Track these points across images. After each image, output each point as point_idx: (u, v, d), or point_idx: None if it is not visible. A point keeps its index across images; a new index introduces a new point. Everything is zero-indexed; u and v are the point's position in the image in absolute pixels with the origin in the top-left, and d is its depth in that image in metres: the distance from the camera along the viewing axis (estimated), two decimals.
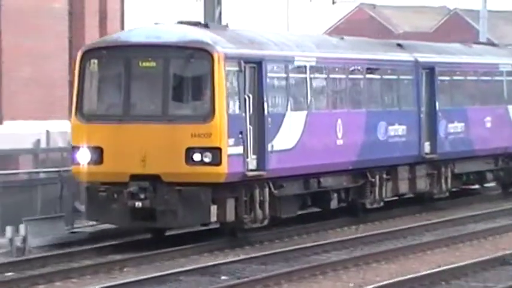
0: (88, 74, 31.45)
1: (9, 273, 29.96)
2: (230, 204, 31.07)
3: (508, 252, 32.22)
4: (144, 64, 31.07)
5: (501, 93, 46.24)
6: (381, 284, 27.29)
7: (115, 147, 30.72)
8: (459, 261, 31.22)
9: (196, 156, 30.36)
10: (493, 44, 52.17)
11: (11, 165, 35.00)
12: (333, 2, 57.58)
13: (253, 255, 33.40)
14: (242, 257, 33.33)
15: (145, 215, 30.21)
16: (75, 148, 31.35)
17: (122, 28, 66.68)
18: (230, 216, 31.08)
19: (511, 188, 47.52)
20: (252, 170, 31.61)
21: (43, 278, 28.97)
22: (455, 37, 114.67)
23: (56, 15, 55.98)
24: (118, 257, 31.93)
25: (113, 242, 34.43)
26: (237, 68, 30.96)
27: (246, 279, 28.79)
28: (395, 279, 27.91)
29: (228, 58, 30.45)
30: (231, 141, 30.56)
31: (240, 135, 30.88)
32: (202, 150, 30.36)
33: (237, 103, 31.35)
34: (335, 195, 37.13)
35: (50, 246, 34.16)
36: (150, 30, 33.87)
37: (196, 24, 33.35)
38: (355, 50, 38.91)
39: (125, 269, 30.99)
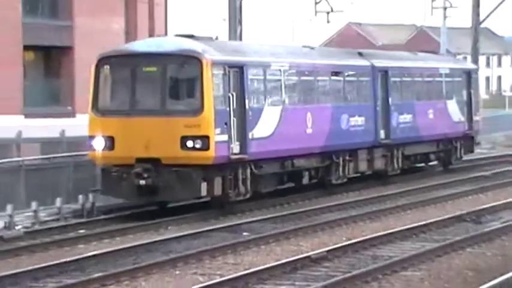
0: (102, 77, 32.80)
1: (82, 231, 31.64)
2: (218, 181, 32.32)
3: (464, 212, 33.86)
4: (147, 69, 32.56)
5: (441, 91, 47.30)
6: (367, 237, 28.84)
7: (124, 136, 32.11)
8: (426, 219, 32.37)
9: (189, 143, 31.51)
10: (434, 52, 54.41)
11: (81, 149, 35.44)
12: (328, 21, 57.22)
13: (268, 216, 34.93)
14: (259, 217, 34.39)
15: (148, 191, 31.63)
16: (91, 137, 32.64)
17: None
18: (218, 191, 32.41)
19: (449, 165, 48.63)
20: (235, 154, 32.94)
21: (107, 234, 30.89)
22: (422, 48, 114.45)
23: (116, 34, 55.75)
24: (165, 218, 33.16)
25: (151, 208, 35.13)
26: (222, 72, 32.39)
27: (262, 235, 30.11)
28: (378, 234, 29.33)
29: (214, 64, 32.06)
30: (218, 130, 31.77)
31: (225, 126, 32.17)
32: (194, 138, 31.43)
33: (222, 100, 32.48)
34: (306, 173, 38.59)
35: (110, 210, 35.33)
36: (151, 41, 38.01)
37: (189, 36, 34.32)
38: (322, 57, 40.58)
39: (169, 228, 32.34)
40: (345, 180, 40.23)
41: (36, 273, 24.00)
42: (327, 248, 26.39)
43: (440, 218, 32.62)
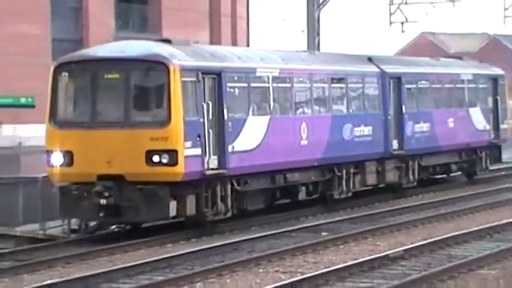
0: (60, 85, 28.14)
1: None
2: (190, 200, 27.93)
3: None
4: (109, 76, 27.82)
5: (463, 98, 42.91)
6: (442, 237, 27.76)
7: (84, 151, 27.64)
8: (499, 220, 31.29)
9: (155, 158, 27.03)
10: (459, 58, 47.81)
11: None
12: (402, 31, 56.54)
13: (345, 217, 34.49)
14: (338, 218, 34.09)
15: (111, 211, 27.14)
16: (49, 152, 28.13)
17: None
18: (191, 210, 27.96)
19: (474, 176, 44.58)
20: (212, 169, 28.49)
21: (196, 234, 29.82)
22: (494, 56, 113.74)
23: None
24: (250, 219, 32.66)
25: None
26: (194, 79, 27.79)
27: (341, 235, 29.63)
28: (453, 234, 28.22)
29: (184, 70, 27.52)
30: (188, 144, 27.31)
31: (198, 139, 27.68)
32: (160, 152, 26.93)
33: (194, 110, 27.95)
34: (303, 188, 34.30)
35: None
36: (114, 46, 31.80)
37: (161, 40, 30.68)
38: (321, 63, 35.66)
39: (252, 228, 31.81)
40: (350, 194, 35.95)
41: (130, 271, 23.59)
42: (404, 248, 26.15)
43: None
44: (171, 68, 27.10)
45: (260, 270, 24.30)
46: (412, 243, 27.19)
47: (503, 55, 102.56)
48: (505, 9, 62.31)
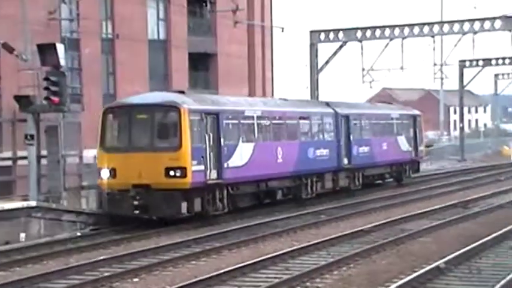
0: (107, 123, 27.46)
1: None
2: (197, 201, 26.87)
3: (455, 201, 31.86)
4: (140, 116, 27.26)
5: (392, 129, 41.91)
6: (397, 217, 27.46)
7: (123, 168, 26.75)
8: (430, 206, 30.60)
9: (171, 172, 26.21)
10: (389, 103, 47.62)
11: None
12: (370, 87, 55.73)
13: (336, 205, 33.37)
14: (331, 206, 33.22)
15: (142, 209, 26.27)
16: (100, 168, 27.25)
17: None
18: (197, 208, 26.94)
19: (401, 181, 43.15)
20: (212, 179, 27.39)
21: (246, 214, 30.40)
22: (428, 103, 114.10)
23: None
24: (274, 207, 31.99)
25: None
26: (198, 118, 26.98)
27: (333, 217, 29.41)
28: (404, 215, 27.99)
29: (191, 111, 26.69)
30: (194, 162, 26.39)
31: (202, 158, 26.78)
32: (175, 168, 26.17)
33: (199, 139, 26.96)
34: (280, 191, 32.93)
35: None
36: (145, 96, 30.55)
37: (177, 91, 29.66)
38: (291, 106, 34.17)
39: (275, 213, 30.67)
40: (314, 195, 34.23)
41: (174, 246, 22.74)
42: (373, 224, 26.00)
43: (439, 206, 31.31)
44: (182, 110, 26.37)
45: (282, 239, 24.21)
46: (378, 222, 26.72)
47: (434, 102, 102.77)
48: (434, 73, 62.46)
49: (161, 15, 56.84)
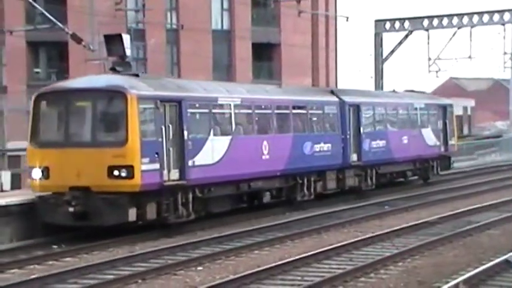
0: (39, 112, 22.08)
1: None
2: (151, 206, 21.52)
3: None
4: (79, 104, 21.95)
5: (416, 121, 36.66)
6: (463, 210, 25.97)
7: (58, 166, 21.40)
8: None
9: (116, 172, 20.77)
10: (413, 91, 40.95)
11: None
12: (437, 76, 55.34)
13: (400, 196, 31.79)
14: (396, 196, 31.93)
15: (80, 216, 20.88)
16: (30, 167, 21.94)
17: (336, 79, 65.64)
18: (151, 215, 21.52)
19: (427, 180, 37.91)
20: (173, 180, 22.01)
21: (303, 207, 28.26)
22: (498, 94, 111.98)
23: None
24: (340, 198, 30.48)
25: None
26: (152, 106, 21.59)
27: (397, 208, 28.01)
28: (470, 207, 26.61)
29: (141, 98, 21.24)
30: (146, 160, 21.08)
31: (156, 155, 21.37)
32: (120, 167, 20.78)
33: (153, 131, 21.64)
34: (267, 193, 26.74)
35: None
36: (84, 79, 24.35)
37: (130, 74, 23.44)
38: (283, 94, 28.52)
39: (340, 204, 29.48)
40: (312, 197, 28.53)
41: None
42: (438, 216, 25.29)
43: (509, 198, 29.98)
44: (129, 97, 21.01)
45: (345, 230, 23.57)
46: (442, 214, 25.74)
47: (504, 92, 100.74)
48: (504, 62, 61.51)
49: (225, 6, 57.05)
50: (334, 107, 30.28)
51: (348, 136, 30.55)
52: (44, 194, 21.55)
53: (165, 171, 21.65)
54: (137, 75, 23.20)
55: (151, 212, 21.44)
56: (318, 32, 61.39)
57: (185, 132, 22.48)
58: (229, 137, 24.58)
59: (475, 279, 15.47)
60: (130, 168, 20.85)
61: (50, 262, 18.86)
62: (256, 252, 20.09)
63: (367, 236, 21.53)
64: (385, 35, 50.41)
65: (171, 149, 22.05)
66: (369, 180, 32.16)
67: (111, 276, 16.84)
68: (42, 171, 21.45)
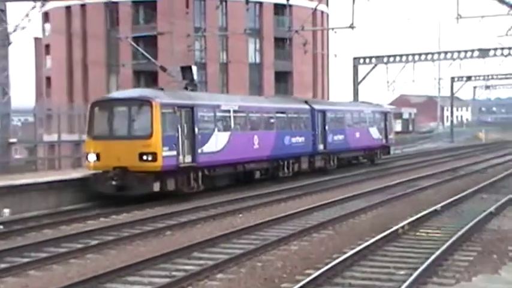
0: (94, 114, 20.47)
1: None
2: (170, 181, 19.80)
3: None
4: (119, 109, 20.23)
5: (365, 122, 33.99)
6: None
7: (105, 153, 19.79)
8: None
9: (144, 157, 19.21)
10: (369, 103, 37.38)
11: None
12: (392, 93, 54.08)
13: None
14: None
15: (120, 188, 19.38)
16: (87, 153, 20.30)
17: None
18: (171, 187, 19.85)
19: (373, 162, 34.59)
20: (187, 163, 20.21)
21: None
22: (430, 104, 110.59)
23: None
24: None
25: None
26: (171, 110, 19.78)
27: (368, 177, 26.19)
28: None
29: (163, 105, 19.53)
30: (166, 148, 19.40)
31: (174, 145, 19.65)
32: (147, 154, 19.22)
33: (172, 128, 19.73)
34: (258, 172, 24.97)
35: None
36: (124, 92, 23.75)
37: (158, 88, 22.21)
38: (269, 103, 26.41)
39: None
40: (290, 174, 26.29)
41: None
42: (394, 182, 23.74)
43: (438, 171, 28.72)
44: (153, 104, 19.38)
45: (339, 190, 22.23)
46: (396, 181, 24.24)
47: (434, 104, 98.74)
48: (434, 85, 61.60)
49: (257, 47, 57.15)
50: (306, 112, 28.06)
51: (316, 132, 28.36)
52: (96, 172, 19.81)
53: (181, 157, 19.93)
54: (162, 89, 21.41)
55: (170, 185, 19.81)
56: (317, 63, 61.17)
57: (196, 129, 20.62)
58: (229, 133, 22.55)
59: (415, 222, 15.42)
60: (154, 154, 19.28)
61: (102, 219, 16.66)
62: (283, 204, 19.11)
63: (350, 194, 20.15)
64: (360, 67, 50.46)
65: (185, 141, 20.29)
66: (332, 162, 29.90)
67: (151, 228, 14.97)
68: (96, 156, 19.87)
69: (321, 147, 28.80)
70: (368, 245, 11.74)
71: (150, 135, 19.36)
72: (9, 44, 21.85)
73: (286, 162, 26.20)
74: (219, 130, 22.04)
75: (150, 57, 29.35)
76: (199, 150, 20.78)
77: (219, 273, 10.09)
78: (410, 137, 62.75)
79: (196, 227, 15.25)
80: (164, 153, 19.41)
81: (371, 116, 34.57)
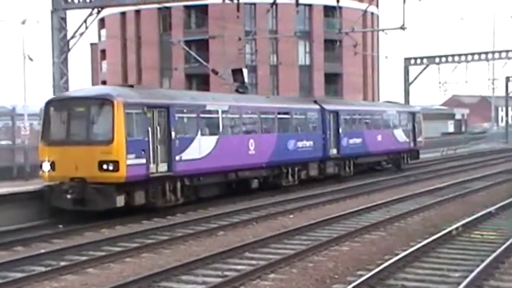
0: (48, 116, 17.22)
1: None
2: (139, 194, 16.46)
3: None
4: (77, 109, 16.72)
5: (389, 123, 30.16)
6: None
7: (61, 161, 16.55)
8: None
9: (104, 166, 15.82)
10: (391, 102, 33.84)
11: None
12: (444, 94, 53.22)
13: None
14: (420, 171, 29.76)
15: (77, 202, 16.11)
16: (41, 161, 16.95)
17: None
18: (140, 201, 16.50)
19: (399, 167, 30.99)
20: (160, 172, 16.77)
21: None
22: (484, 104, 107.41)
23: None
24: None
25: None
26: (139, 111, 16.34)
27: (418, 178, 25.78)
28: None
29: (128, 104, 16.15)
30: (131, 156, 15.98)
31: (143, 152, 16.22)
32: (107, 162, 15.83)
33: (140, 132, 16.31)
34: (255, 180, 21.05)
35: None
36: (83, 89, 19.32)
37: (125, 85, 19.33)
38: (268, 102, 22.55)
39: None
40: (296, 183, 22.78)
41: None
42: (445, 184, 23.98)
43: (491, 172, 28.06)
44: (115, 103, 16.04)
45: (385, 192, 21.68)
46: (447, 182, 23.96)
47: (488, 104, 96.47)
48: (488, 85, 60.12)
49: (307, 49, 57.00)
50: (316, 112, 24.45)
51: (328, 135, 24.77)
52: (51, 183, 16.73)
53: (152, 165, 16.52)
54: (131, 86, 18.30)
55: (139, 198, 16.53)
56: (366, 66, 60.62)
57: (172, 133, 17.19)
58: (217, 137, 18.96)
59: (469, 223, 15.08)
60: (116, 163, 15.85)
61: (155, 219, 15.64)
62: (328, 206, 18.72)
63: (399, 196, 19.70)
64: (411, 68, 49.67)
65: (158, 146, 16.84)
66: (347, 168, 26.36)
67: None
68: (50, 165, 16.73)
69: (333, 151, 25.23)
70: (421, 246, 11.49)
71: (110, 140, 15.93)
72: (69, 50, 22.31)
73: (290, 169, 22.66)
74: (203, 134, 18.44)
75: (201, 60, 29.72)
76: (177, 158, 17.28)
77: (271, 273, 10.03)
78: (464, 138, 61.23)
79: (247, 227, 15.34)
80: (129, 162, 15.99)
81: (396, 116, 30.81)
